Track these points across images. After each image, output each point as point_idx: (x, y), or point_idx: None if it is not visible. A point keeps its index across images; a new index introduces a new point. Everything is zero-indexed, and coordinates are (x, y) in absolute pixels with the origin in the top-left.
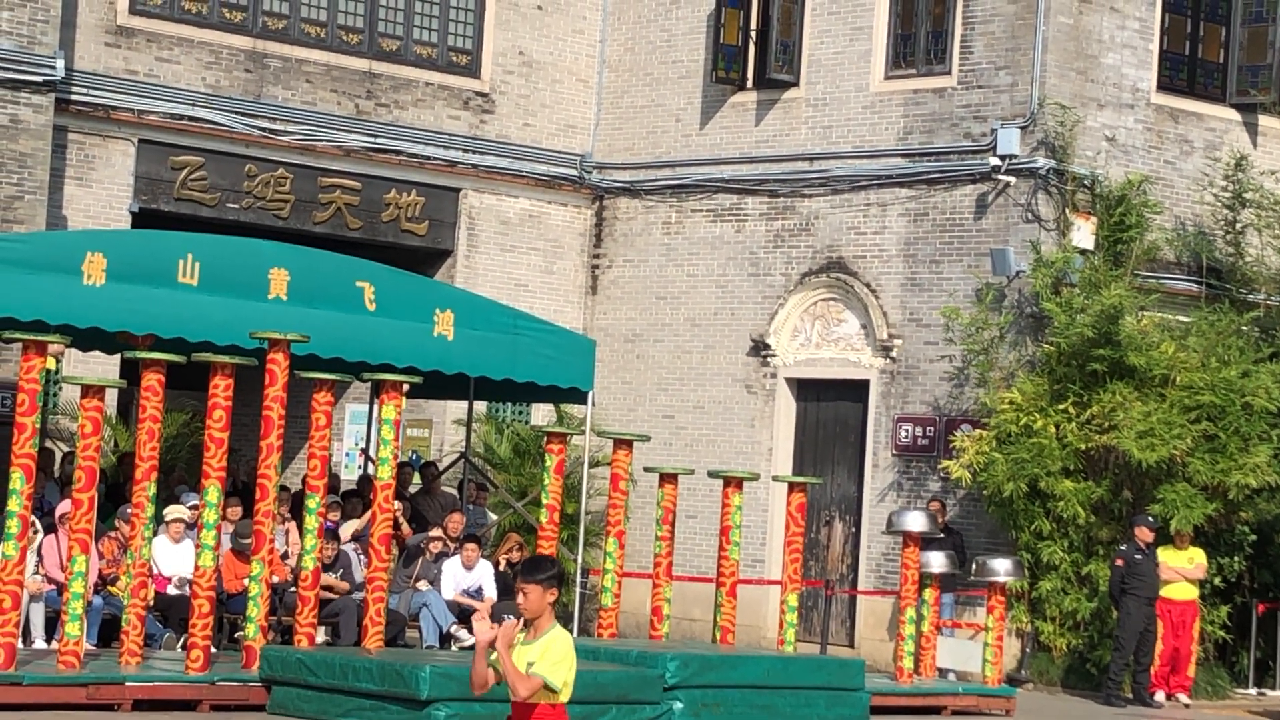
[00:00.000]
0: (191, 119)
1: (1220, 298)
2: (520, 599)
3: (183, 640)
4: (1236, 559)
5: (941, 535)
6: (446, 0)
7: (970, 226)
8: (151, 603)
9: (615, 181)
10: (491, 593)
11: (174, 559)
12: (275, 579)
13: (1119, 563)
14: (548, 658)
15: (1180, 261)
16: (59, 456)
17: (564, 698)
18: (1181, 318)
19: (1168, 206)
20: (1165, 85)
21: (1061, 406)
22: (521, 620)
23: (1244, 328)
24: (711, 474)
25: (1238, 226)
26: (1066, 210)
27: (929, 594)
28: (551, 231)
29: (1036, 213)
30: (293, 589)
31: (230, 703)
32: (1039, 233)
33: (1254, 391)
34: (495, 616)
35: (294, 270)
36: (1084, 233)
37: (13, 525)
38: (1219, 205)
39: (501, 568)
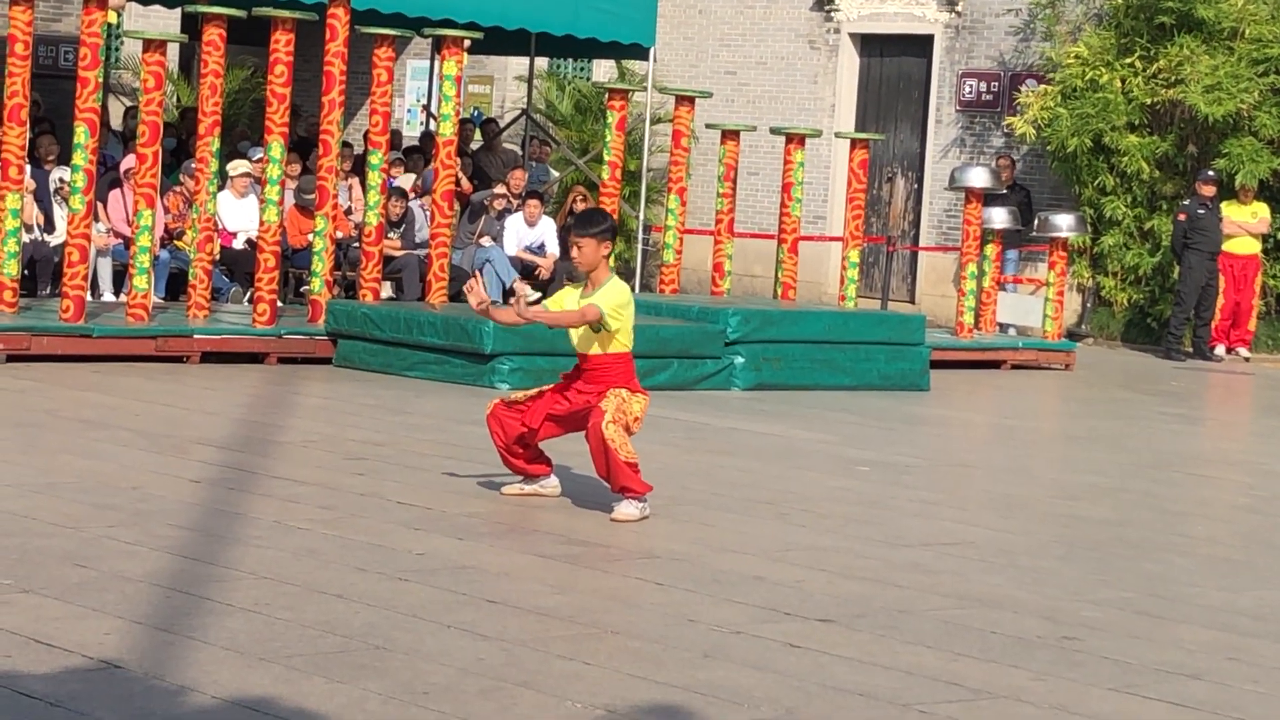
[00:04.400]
0: None
1: None
2: (574, 253)
3: (249, 294)
4: None
5: (1005, 192)
6: None
7: None
8: (217, 257)
9: None
10: (554, 249)
11: (239, 214)
12: (339, 234)
13: (1182, 217)
14: (606, 300)
15: None
16: (122, 111)
17: (627, 344)
18: None
19: None
20: None
21: (1128, 60)
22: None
23: None
24: (774, 130)
25: None
26: None
27: (991, 250)
28: None
29: None
30: (356, 244)
31: (297, 355)
32: None
33: None
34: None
35: None
36: None
37: (79, 179)
38: None
39: (566, 220)
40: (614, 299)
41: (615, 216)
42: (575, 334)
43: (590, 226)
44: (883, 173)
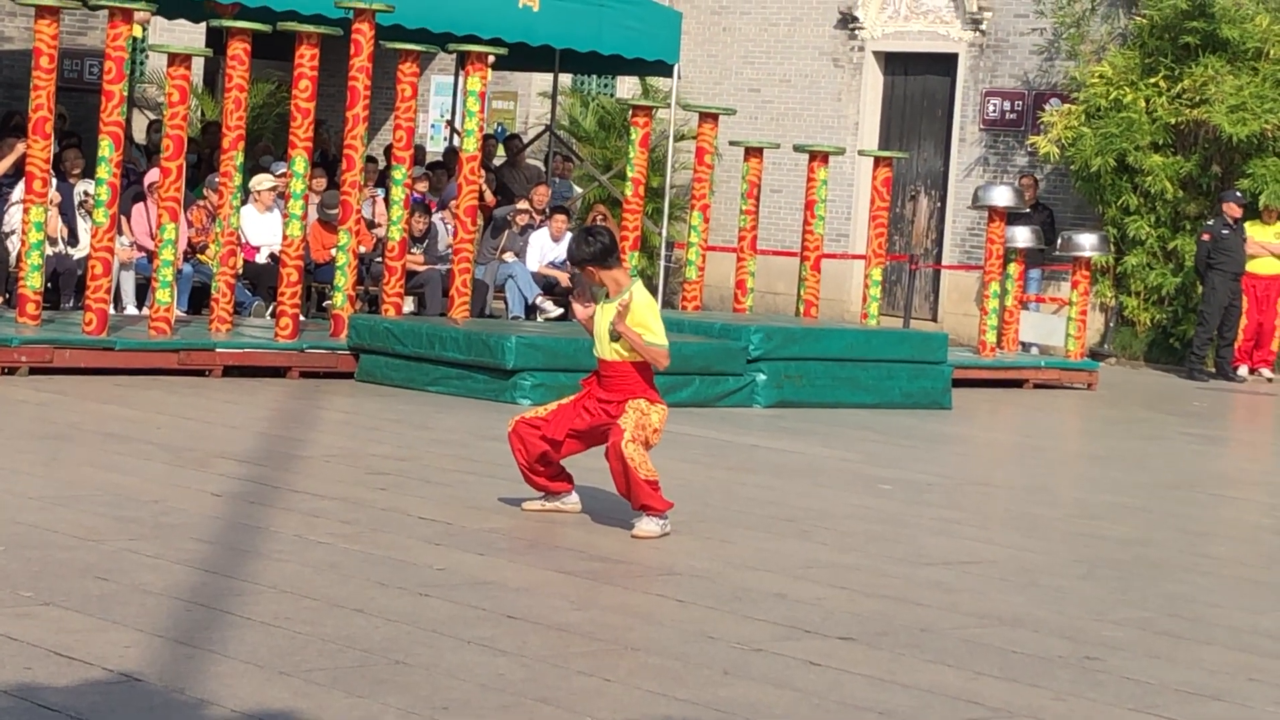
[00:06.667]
0: None
1: None
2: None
3: (271, 308)
4: None
5: (1028, 211)
6: None
7: None
8: (240, 271)
9: None
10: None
11: (262, 228)
12: (362, 249)
13: (1205, 238)
14: (641, 323)
15: None
16: (146, 125)
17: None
18: None
19: None
20: None
21: (1152, 80)
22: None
23: None
24: (797, 148)
25: None
26: None
27: (1013, 269)
28: None
29: None
30: (379, 259)
31: (319, 370)
32: None
33: None
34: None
35: None
36: None
37: (103, 193)
38: None
39: None
40: (645, 317)
41: (638, 232)
42: (598, 341)
43: (581, 255)
44: (906, 191)
